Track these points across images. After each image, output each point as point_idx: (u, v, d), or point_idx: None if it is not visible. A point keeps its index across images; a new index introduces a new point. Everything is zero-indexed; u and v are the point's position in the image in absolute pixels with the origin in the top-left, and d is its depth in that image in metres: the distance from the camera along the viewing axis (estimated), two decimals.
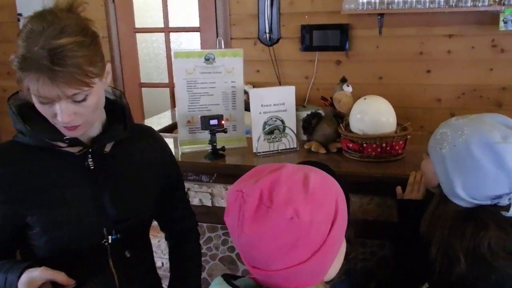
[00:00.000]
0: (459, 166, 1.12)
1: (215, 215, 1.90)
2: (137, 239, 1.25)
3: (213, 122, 1.77)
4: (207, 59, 1.83)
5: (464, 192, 1.13)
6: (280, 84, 3.36)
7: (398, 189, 1.48)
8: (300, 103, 3.11)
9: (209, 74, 1.86)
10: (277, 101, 1.81)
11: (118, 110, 1.21)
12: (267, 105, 1.80)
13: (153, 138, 1.33)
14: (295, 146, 1.86)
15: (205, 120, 1.76)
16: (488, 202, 1.13)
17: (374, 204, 1.65)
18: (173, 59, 1.80)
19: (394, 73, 3.15)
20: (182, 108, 1.87)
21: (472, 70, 2.99)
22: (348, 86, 1.75)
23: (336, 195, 0.85)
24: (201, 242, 1.89)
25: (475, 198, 1.13)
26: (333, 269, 0.88)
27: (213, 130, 1.78)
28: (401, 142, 1.64)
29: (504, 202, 1.10)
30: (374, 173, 1.61)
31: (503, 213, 1.11)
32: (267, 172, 0.83)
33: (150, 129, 1.37)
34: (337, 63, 3.28)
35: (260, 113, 1.80)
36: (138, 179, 1.23)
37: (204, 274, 1.99)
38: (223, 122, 1.79)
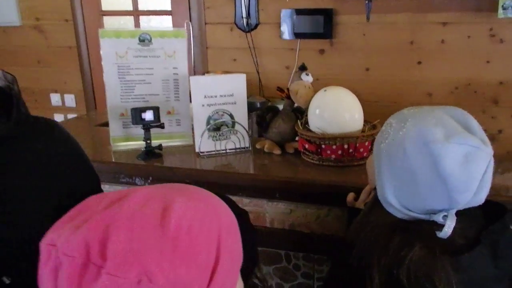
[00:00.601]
0: (392, 166, 0.88)
1: None
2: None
3: (147, 115, 1.48)
4: (141, 40, 1.54)
5: (396, 199, 0.89)
6: (258, 74, 3.07)
7: (350, 196, 1.21)
8: (279, 96, 2.85)
9: (145, 58, 1.57)
10: (225, 92, 1.52)
11: (5, 99, 0.92)
12: (211, 96, 1.51)
13: (51, 135, 1.03)
14: (247, 145, 1.57)
15: (136, 113, 1.48)
16: (423, 217, 0.87)
17: (333, 217, 1.36)
18: (100, 39, 1.51)
19: (382, 64, 2.87)
20: (113, 99, 1.58)
21: (467, 62, 2.69)
22: (307, 75, 1.46)
23: (218, 231, 0.59)
24: None
25: (408, 209, 0.88)
26: None
27: (147, 125, 1.49)
28: (366, 144, 1.35)
29: (438, 219, 0.83)
30: (333, 180, 1.32)
31: (437, 232, 0.83)
32: (100, 209, 0.56)
33: (50, 123, 1.07)
34: (320, 52, 2.99)
35: (203, 105, 1.51)
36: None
37: None
38: (159, 116, 1.50)
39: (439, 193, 0.81)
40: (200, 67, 3.11)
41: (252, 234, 0.78)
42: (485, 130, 0.89)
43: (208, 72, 3.11)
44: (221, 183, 1.42)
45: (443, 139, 0.80)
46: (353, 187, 1.28)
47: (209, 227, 0.58)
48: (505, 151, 2.49)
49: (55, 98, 3.51)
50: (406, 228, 0.88)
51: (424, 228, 0.85)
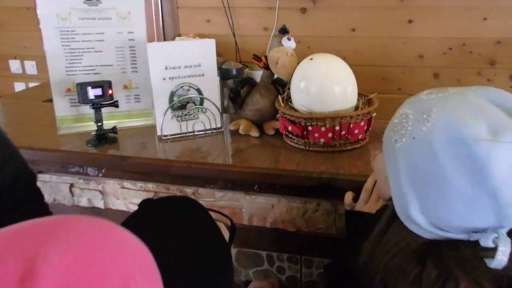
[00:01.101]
0: (414, 173, 0.65)
1: (111, 220, 1.38)
2: None
3: (94, 92, 1.21)
4: None
5: (422, 215, 0.66)
6: (234, 37, 2.79)
7: (348, 196, 0.99)
8: (256, 65, 2.60)
9: (93, 20, 1.28)
10: (190, 62, 1.25)
11: None
12: (174, 67, 1.24)
13: None
14: (219, 126, 1.32)
15: (82, 89, 1.21)
16: (463, 237, 0.64)
17: (322, 212, 1.14)
18: None
19: (370, 24, 2.61)
20: (56, 71, 1.30)
21: (462, 20, 2.46)
22: (289, 39, 1.20)
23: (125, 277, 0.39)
24: None
25: (439, 227, 0.66)
26: None
27: (96, 104, 1.23)
28: (362, 124, 1.11)
29: (485, 242, 0.60)
30: (323, 168, 1.09)
31: (487, 261, 0.60)
32: None
33: None
34: (302, 11, 2.71)
35: (164, 79, 1.25)
36: None
37: None
38: (111, 91, 1.24)
39: (485, 208, 0.59)
40: (170, 30, 2.80)
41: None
42: None
43: (179, 35, 2.82)
44: (188, 174, 1.18)
45: (488, 137, 0.57)
46: (345, 177, 1.06)
47: (109, 273, 0.38)
48: None
49: (14, 65, 3.19)
50: (439, 254, 0.65)
51: (464, 254, 0.63)
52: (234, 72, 2.05)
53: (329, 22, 2.63)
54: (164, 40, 2.44)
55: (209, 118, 1.31)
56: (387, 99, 1.73)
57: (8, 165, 0.83)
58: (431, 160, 0.61)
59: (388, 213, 0.76)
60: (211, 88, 1.29)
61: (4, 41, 3.16)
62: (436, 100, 0.66)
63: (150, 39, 1.75)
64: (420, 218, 0.66)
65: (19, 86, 3.15)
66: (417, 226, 0.67)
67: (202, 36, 2.72)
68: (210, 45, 1.27)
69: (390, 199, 0.74)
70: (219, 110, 1.31)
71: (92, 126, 1.30)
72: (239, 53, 2.79)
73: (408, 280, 0.64)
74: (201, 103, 1.29)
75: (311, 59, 1.11)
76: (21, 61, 3.20)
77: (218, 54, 1.50)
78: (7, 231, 0.39)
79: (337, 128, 1.08)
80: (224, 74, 1.87)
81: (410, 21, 2.52)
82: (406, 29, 2.54)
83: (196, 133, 1.31)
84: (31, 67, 3.17)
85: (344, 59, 1.20)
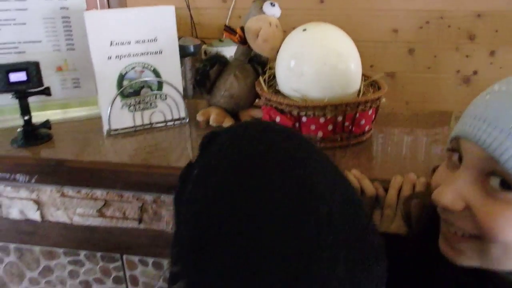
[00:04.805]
0: None
1: (51, 234, 1.11)
2: None
3: (16, 76, 0.92)
4: None
5: None
6: (189, 10, 2.50)
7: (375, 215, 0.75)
8: (216, 37, 2.32)
9: None
10: (143, 36, 0.98)
11: None
12: (122, 43, 0.96)
13: None
14: (183, 115, 1.06)
15: (1, 72, 0.91)
16: None
17: None
18: None
19: None
20: None
21: None
22: (273, 5, 0.95)
23: None
24: (34, 274, 1.14)
25: None
26: None
27: (21, 93, 0.94)
28: (370, 112, 0.88)
29: None
30: None
31: None
32: None
33: None
34: None
35: (109, 57, 0.97)
36: None
37: None
38: (40, 75, 0.95)
39: None
40: (115, 4, 2.47)
41: None
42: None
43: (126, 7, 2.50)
44: (146, 181, 0.92)
45: None
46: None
47: None
48: None
49: None
50: None
51: None
52: (192, 49, 1.77)
53: None
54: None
55: (170, 107, 1.04)
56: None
57: None
58: None
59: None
60: (172, 69, 1.03)
61: None
62: None
63: (90, 7, 1.44)
64: None
65: None
66: None
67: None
68: (168, 13, 0.99)
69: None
70: (182, 96, 1.04)
71: (17, 121, 1.01)
72: (195, 28, 2.52)
73: None
74: (159, 88, 1.03)
75: (304, 29, 0.86)
76: None
77: None
78: None
79: (340, 118, 0.84)
80: (180, 52, 1.61)
81: None
82: (379, 1, 2.35)
83: (154, 125, 1.04)
84: None
85: None
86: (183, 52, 1.67)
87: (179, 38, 1.84)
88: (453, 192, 0.50)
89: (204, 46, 1.96)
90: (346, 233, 0.39)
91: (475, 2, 2.25)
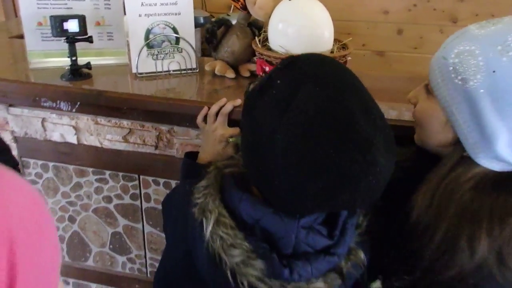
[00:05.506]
0: (505, 105, 0.67)
1: (83, 155, 1.40)
2: None
3: (70, 25, 1.20)
4: None
5: (510, 149, 0.69)
6: None
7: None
8: (224, 11, 2.56)
9: None
10: (166, 0, 1.25)
11: None
12: (150, 4, 1.24)
13: None
14: (194, 66, 1.34)
15: (56, 21, 1.19)
16: None
17: None
18: None
19: None
20: (27, 4, 1.27)
21: None
22: None
23: (8, 232, 0.38)
24: (67, 189, 1.42)
25: None
26: None
27: (71, 38, 1.22)
28: None
29: None
30: None
31: None
32: None
33: None
34: None
35: (140, 15, 1.24)
36: None
37: (75, 227, 1.52)
38: (85, 26, 1.22)
39: None
40: None
41: None
42: None
43: None
44: (163, 111, 1.20)
45: None
46: None
47: None
48: None
49: None
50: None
51: None
52: (202, 20, 2.04)
53: None
54: None
55: (184, 58, 1.32)
56: (352, 54, 1.78)
57: None
58: None
59: (450, 159, 0.78)
60: (187, 27, 1.30)
61: None
62: (504, 29, 0.68)
63: None
64: (507, 153, 0.69)
65: None
66: (503, 162, 0.70)
67: None
68: None
69: (445, 146, 0.79)
70: (194, 50, 1.32)
71: (64, 62, 1.29)
72: (205, 3, 2.75)
73: (483, 208, 0.69)
74: (177, 42, 1.30)
75: (290, 0, 1.13)
76: None
77: None
78: None
79: None
80: None
81: None
82: None
83: (171, 72, 1.32)
84: None
85: None
86: (195, 23, 1.93)
87: None
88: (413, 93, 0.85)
89: (212, 19, 2.22)
90: (382, 121, 0.66)
91: None
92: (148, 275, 1.57)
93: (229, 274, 0.68)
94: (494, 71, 0.66)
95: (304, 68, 0.67)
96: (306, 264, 0.69)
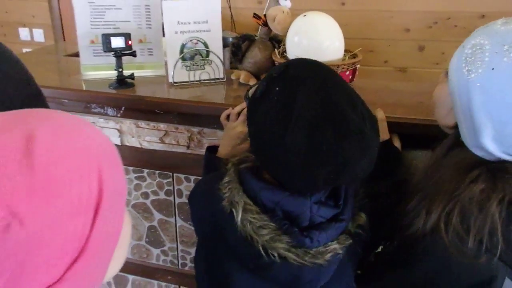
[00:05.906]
0: (494, 103, 0.70)
1: (126, 155, 1.59)
2: None
3: (117, 42, 1.41)
4: None
5: (495, 144, 0.73)
6: (230, 10, 2.94)
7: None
8: (256, 22, 2.72)
9: None
10: (198, 18, 1.45)
11: None
12: (185, 23, 1.44)
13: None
14: (222, 76, 1.52)
15: (106, 39, 1.40)
16: None
17: None
18: None
19: None
20: (82, 25, 1.49)
21: None
22: None
23: (97, 162, 0.51)
24: None
25: (509, 154, 0.74)
26: (114, 268, 0.62)
27: (118, 53, 1.43)
28: (347, 73, 1.32)
29: None
30: None
31: None
32: None
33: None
34: None
35: (176, 32, 1.44)
36: None
37: None
38: (130, 42, 1.43)
39: None
40: None
41: None
42: None
43: None
44: (194, 113, 1.38)
45: None
46: None
47: (86, 158, 0.50)
48: None
49: (23, 33, 3.35)
50: (492, 169, 0.76)
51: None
52: (230, 39, 2.23)
53: None
54: None
55: (213, 69, 1.51)
56: (374, 71, 1.87)
57: (30, 86, 0.90)
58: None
59: (449, 140, 0.88)
60: (216, 42, 1.49)
61: (14, 10, 3.29)
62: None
63: None
64: (491, 145, 0.73)
65: None
66: (485, 152, 0.75)
67: None
68: (215, 3, 1.46)
69: (449, 127, 0.88)
70: (222, 62, 1.51)
71: (111, 74, 1.50)
72: (234, 25, 2.94)
73: (457, 181, 0.77)
74: (207, 55, 1.49)
75: (305, 15, 1.31)
76: (30, 28, 3.35)
77: None
78: (9, 113, 0.50)
79: None
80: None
81: None
82: (393, 3, 2.69)
83: (202, 81, 1.51)
84: (39, 35, 3.32)
85: None
86: (224, 43, 2.13)
87: (222, 31, 2.29)
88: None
89: (237, 35, 2.41)
90: (367, 111, 0.82)
91: (479, 4, 2.54)
92: (179, 266, 1.73)
93: (261, 250, 0.84)
94: (493, 69, 0.69)
95: (296, 73, 0.84)
96: (322, 232, 0.85)
